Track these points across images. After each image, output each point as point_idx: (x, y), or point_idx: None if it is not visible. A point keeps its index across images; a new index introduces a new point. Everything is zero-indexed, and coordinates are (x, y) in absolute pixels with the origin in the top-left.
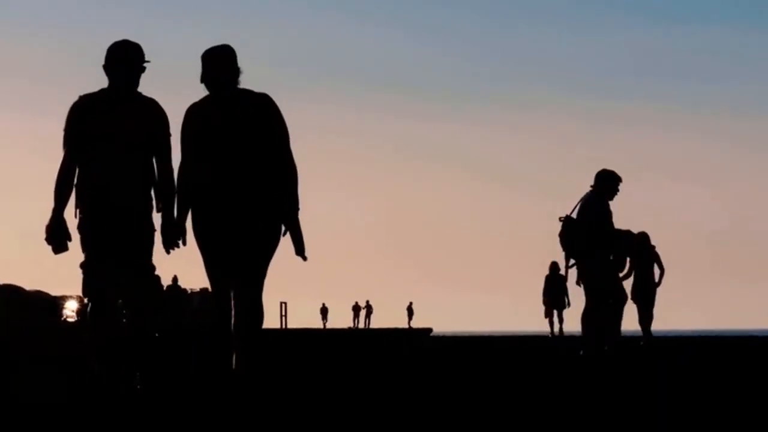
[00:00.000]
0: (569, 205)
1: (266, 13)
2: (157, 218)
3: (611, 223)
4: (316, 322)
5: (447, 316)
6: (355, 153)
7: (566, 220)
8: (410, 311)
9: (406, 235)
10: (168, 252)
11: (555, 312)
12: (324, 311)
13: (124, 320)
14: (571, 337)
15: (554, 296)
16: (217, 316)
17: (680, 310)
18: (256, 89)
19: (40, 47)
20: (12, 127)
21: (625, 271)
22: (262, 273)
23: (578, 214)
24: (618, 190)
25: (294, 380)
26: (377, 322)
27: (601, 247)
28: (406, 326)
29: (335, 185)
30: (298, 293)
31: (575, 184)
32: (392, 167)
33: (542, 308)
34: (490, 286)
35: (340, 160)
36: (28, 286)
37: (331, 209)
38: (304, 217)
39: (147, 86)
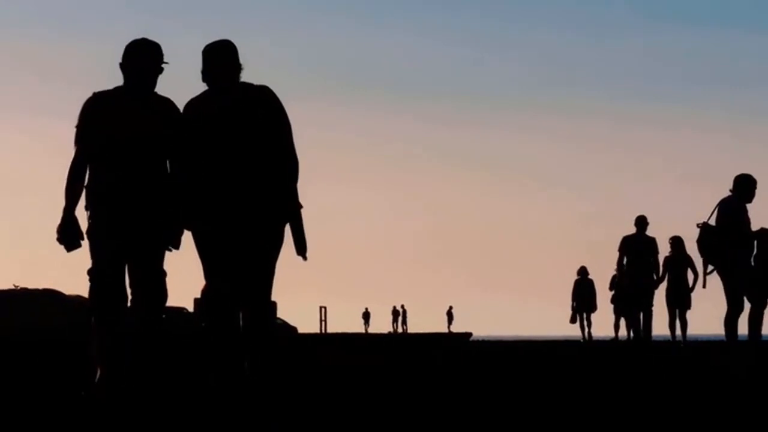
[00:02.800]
0: (608, 210)
1: (295, 17)
2: None
3: (749, 227)
4: (358, 327)
5: (487, 321)
6: (395, 158)
7: (704, 227)
8: (450, 315)
9: (446, 240)
10: (169, 250)
11: (584, 316)
12: (366, 316)
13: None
14: (600, 342)
15: (583, 300)
16: (215, 320)
17: (715, 314)
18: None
19: (52, 47)
20: (50, 131)
21: (659, 275)
22: (270, 272)
23: (717, 219)
24: (754, 194)
25: (326, 384)
26: (418, 326)
27: (741, 250)
28: (446, 330)
29: (376, 190)
30: (340, 298)
31: (614, 188)
32: (432, 172)
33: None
34: (531, 290)
35: (381, 165)
36: (68, 291)
37: (371, 214)
38: (346, 222)
39: (160, 87)
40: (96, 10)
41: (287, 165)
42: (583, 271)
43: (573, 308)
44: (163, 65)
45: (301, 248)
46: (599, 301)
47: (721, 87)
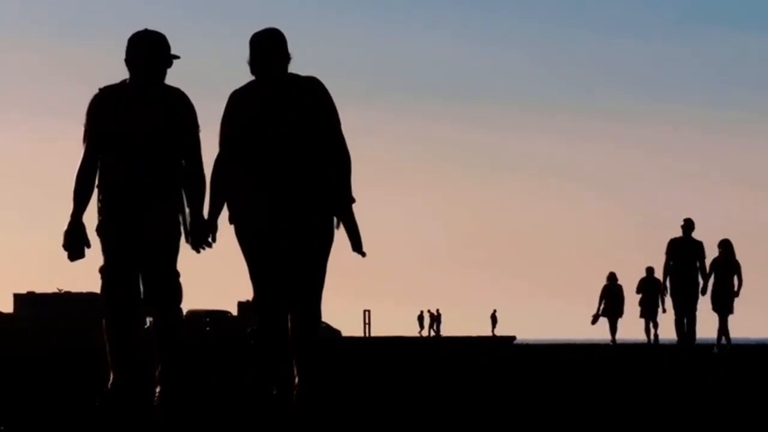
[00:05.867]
0: (653, 214)
1: (347, 22)
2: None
3: None
4: (401, 330)
5: (531, 324)
6: (439, 163)
7: None
8: (494, 319)
9: (490, 244)
10: (198, 251)
11: (612, 320)
12: (421, 318)
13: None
14: (626, 345)
15: (611, 305)
16: (265, 325)
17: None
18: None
19: (76, 48)
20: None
21: (706, 279)
22: (321, 272)
23: None
24: None
25: (360, 389)
26: (462, 330)
27: None
28: (490, 334)
29: (420, 194)
30: (384, 302)
31: (660, 192)
32: (477, 176)
33: (635, 316)
34: (575, 293)
35: (425, 169)
36: None
37: (415, 218)
38: (389, 226)
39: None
40: (107, 9)
41: (339, 158)
42: (612, 277)
43: (598, 310)
44: (174, 59)
45: (356, 244)
46: (627, 305)
47: (763, 90)
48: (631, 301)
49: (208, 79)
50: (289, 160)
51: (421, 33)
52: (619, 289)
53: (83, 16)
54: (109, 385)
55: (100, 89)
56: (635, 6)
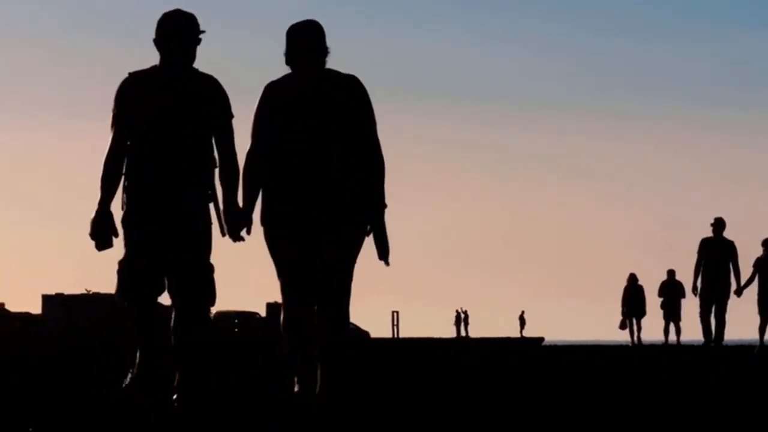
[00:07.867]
0: (681, 214)
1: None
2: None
3: None
4: (429, 332)
5: (559, 325)
6: (469, 164)
7: None
8: (522, 320)
9: (519, 245)
10: (235, 241)
11: (634, 321)
12: (459, 319)
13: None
14: (649, 346)
15: (633, 306)
16: (290, 326)
17: None
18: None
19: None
20: None
21: (740, 280)
22: (349, 274)
23: None
24: None
25: (384, 392)
26: (490, 331)
27: None
28: (518, 335)
29: (448, 195)
30: (414, 302)
31: (684, 192)
32: (506, 177)
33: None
34: (603, 294)
35: (454, 170)
36: None
37: (444, 219)
38: (419, 227)
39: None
40: (133, 10)
41: (372, 161)
42: (632, 278)
43: (623, 314)
44: (200, 36)
45: (383, 252)
46: (648, 306)
47: None
48: (653, 302)
49: (221, 75)
50: (318, 157)
51: (448, 32)
52: (640, 289)
53: (100, 16)
54: (134, 369)
55: (129, 74)
56: (672, 9)
